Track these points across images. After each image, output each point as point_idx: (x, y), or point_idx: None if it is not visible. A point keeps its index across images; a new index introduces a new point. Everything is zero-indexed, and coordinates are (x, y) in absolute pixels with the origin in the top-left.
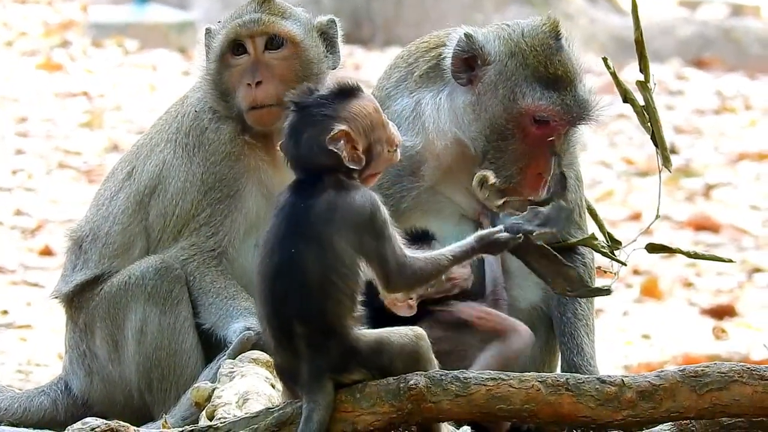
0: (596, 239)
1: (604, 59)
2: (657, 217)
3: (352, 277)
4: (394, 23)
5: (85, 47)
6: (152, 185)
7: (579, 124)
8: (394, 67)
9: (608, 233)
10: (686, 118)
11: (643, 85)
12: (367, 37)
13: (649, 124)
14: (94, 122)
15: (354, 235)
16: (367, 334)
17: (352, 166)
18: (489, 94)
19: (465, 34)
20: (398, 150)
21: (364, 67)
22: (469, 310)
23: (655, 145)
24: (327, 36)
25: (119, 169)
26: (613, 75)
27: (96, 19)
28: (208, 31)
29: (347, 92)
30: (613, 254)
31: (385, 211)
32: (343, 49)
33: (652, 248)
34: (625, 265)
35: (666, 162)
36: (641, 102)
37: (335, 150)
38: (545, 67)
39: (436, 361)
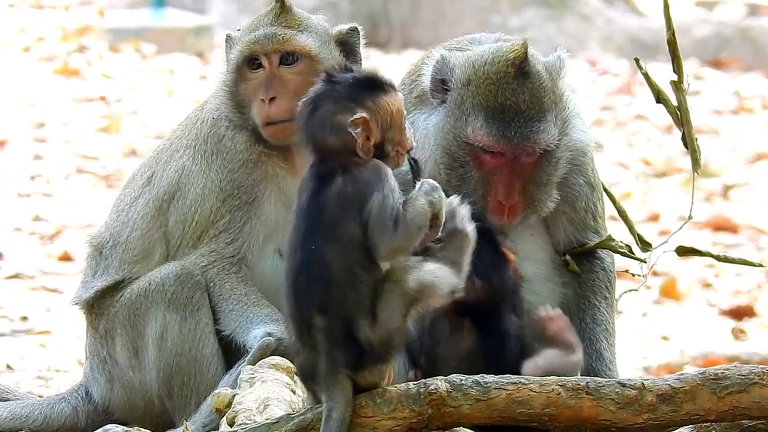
0: (614, 240)
1: (636, 60)
2: (689, 218)
3: (372, 266)
4: (411, 25)
5: (102, 52)
6: (171, 191)
7: (524, 156)
8: (401, 84)
9: (638, 235)
10: (704, 119)
11: (677, 86)
12: (384, 40)
13: (681, 124)
14: (112, 127)
15: (359, 209)
16: (376, 328)
17: (360, 154)
18: (446, 120)
19: (441, 55)
20: (405, 157)
21: (381, 70)
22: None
23: (686, 146)
24: (347, 45)
25: (139, 174)
26: (646, 76)
27: (113, 24)
28: (228, 38)
29: (379, 84)
30: (632, 252)
31: (392, 179)
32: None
33: (682, 251)
34: (645, 262)
35: (695, 164)
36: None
37: (351, 132)
38: (494, 96)
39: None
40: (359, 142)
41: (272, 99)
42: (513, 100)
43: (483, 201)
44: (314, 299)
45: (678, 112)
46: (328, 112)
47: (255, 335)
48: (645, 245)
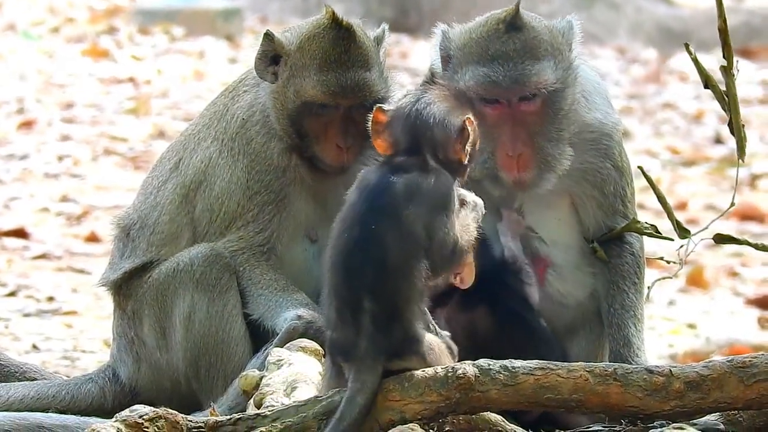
0: (639, 223)
1: (686, 45)
2: (732, 205)
3: (426, 264)
4: (442, 11)
5: (132, 34)
6: (198, 180)
7: (520, 99)
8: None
9: (677, 221)
10: None
11: (727, 72)
12: (414, 26)
13: (729, 110)
14: (140, 109)
15: (428, 216)
16: (424, 330)
17: (462, 155)
18: (452, 86)
19: (441, 30)
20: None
21: (410, 55)
22: None
23: (732, 132)
24: (379, 44)
25: (167, 158)
26: (695, 61)
27: (142, 6)
28: (268, 36)
29: (473, 105)
30: (658, 233)
31: (456, 201)
32: (390, 37)
33: (720, 239)
34: (672, 240)
35: (741, 152)
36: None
37: (466, 129)
38: (485, 50)
39: None
40: (470, 140)
41: (349, 147)
42: (503, 50)
43: (493, 158)
44: (367, 281)
45: (726, 98)
46: (441, 108)
47: (285, 318)
48: (683, 232)
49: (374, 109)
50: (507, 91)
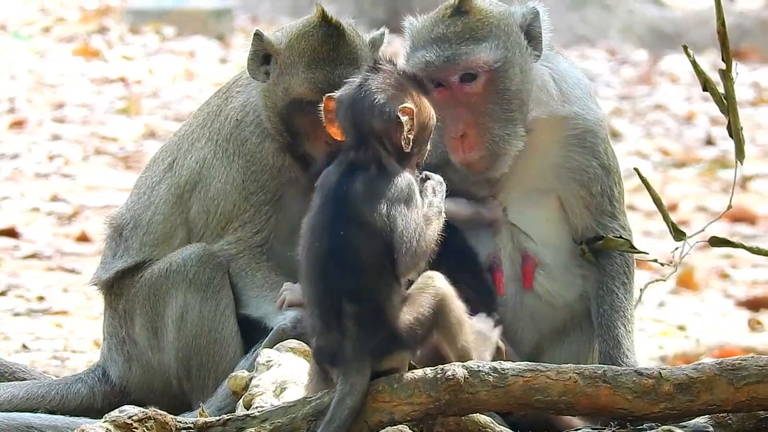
0: (613, 240)
1: (685, 47)
2: (729, 207)
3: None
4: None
5: (123, 33)
6: (193, 181)
7: (453, 75)
8: None
9: (673, 224)
10: None
11: (725, 74)
12: None
13: (727, 113)
14: (131, 108)
15: (388, 210)
16: (403, 313)
17: (402, 143)
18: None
19: (408, 22)
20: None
21: (401, 56)
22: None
23: (730, 135)
24: (376, 47)
25: (160, 158)
26: (694, 63)
27: (133, 6)
28: (258, 36)
29: (423, 85)
30: (633, 247)
31: (418, 197)
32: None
33: (715, 242)
34: (647, 253)
35: (740, 154)
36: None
37: (399, 119)
38: (429, 33)
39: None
40: (405, 130)
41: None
42: (443, 33)
43: (442, 141)
44: (345, 285)
45: (725, 101)
46: (377, 98)
47: (284, 317)
48: (679, 234)
49: (324, 97)
50: (440, 71)
